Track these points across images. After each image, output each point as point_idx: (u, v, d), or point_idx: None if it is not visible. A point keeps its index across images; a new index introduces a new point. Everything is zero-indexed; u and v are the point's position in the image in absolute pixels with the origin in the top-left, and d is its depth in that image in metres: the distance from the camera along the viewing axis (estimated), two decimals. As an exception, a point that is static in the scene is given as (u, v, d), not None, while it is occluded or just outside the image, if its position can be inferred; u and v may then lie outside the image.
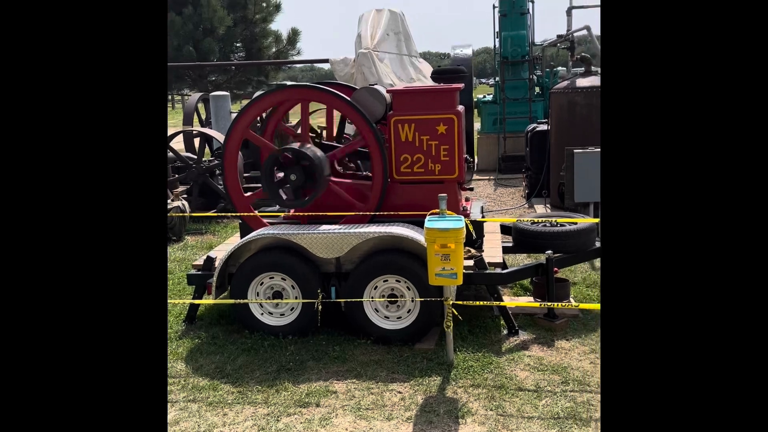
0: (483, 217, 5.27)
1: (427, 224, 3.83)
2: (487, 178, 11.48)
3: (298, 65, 32.94)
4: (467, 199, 5.37)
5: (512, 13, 12.28)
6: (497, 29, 12.38)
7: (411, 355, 4.20)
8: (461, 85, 4.94)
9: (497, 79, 12.97)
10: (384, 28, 8.21)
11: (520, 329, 4.56)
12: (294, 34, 19.05)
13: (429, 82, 6.33)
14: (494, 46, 12.76)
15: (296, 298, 4.49)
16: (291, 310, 4.57)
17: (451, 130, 4.61)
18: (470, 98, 12.39)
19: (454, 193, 4.74)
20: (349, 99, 4.71)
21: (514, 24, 12.27)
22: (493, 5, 12.40)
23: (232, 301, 4.54)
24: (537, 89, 12.69)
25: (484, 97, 13.34)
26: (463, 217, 3.96)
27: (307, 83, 4.93)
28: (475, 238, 4.76)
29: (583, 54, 8.37)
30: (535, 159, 8.98)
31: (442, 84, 5.09)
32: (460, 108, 4.81)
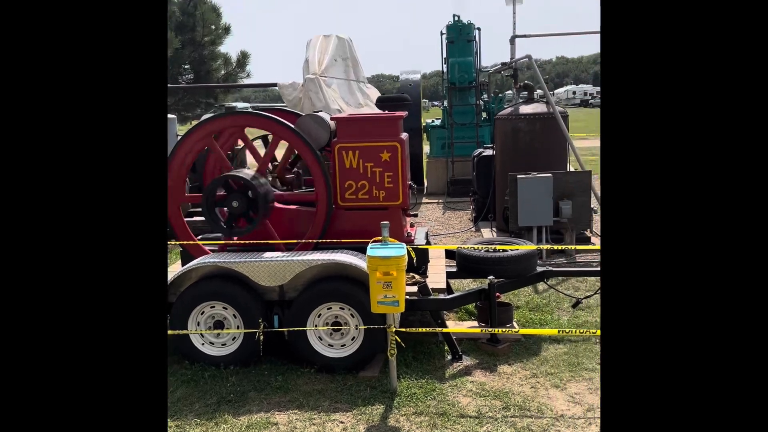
0: (428, 242, 5.32)
1: (369, 252, 3.84)
2: (437, 201, 11.61)
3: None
4: (412, 225, 5.41)
5: (459, 40, 12.55)
6: (445, 55, 12.65)
7: (355, 384, 4.17)
8: (404, 113, 5.01)
9: (444, 104, 13.20)
10: (332, 53, 8.25)
11: (464, 354, 4.59)
12: (243, 57, 18.97)
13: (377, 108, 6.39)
14: (442, 71, 13.00)
15: (238, 327, 4.41)
16: (233, 339, 4.49)
17: (394, 157, 4.66)
18: (419, 122, 12.61)
19: (399, 219, 4.78)
20: (291, 126, 4.71)
21: (462, 51, 12.56)
22: (441, 32, 12.66)
23: (171, 332, 4.42)
24: (484, 114, 12.99)
25: (433, 121, 13.54)
26: (404, 245, 3.99)
27: (249, 110, 4.91)
28: (418, 264, 4.79)
29: (526, 82, 8.62)
30: (482, 183, 9.15)
31: (386, 112, 5.15)
32: (404, 135, 4.87)
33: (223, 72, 18.73)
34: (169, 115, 10.66)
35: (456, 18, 12.67)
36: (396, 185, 4.67)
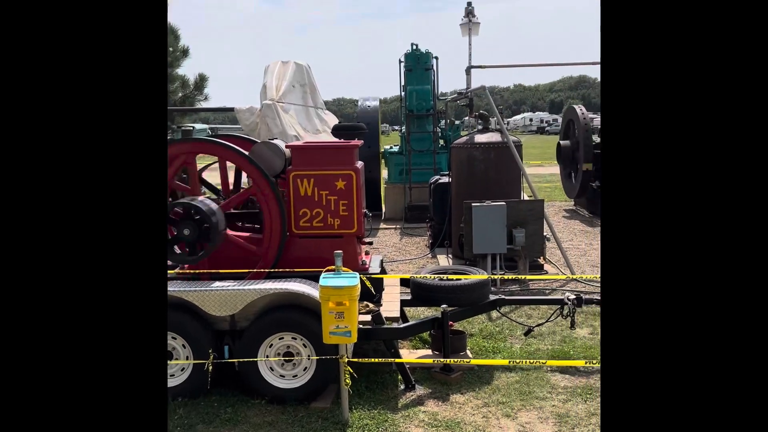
0: (383, 270, 5.33)
1: (321, 282, 3.82)
2: (394, 226, 11.67)
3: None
4: (367, 253, 5.42)
5: (417, 69, 12.76)
6: (403, 83, 12.82)
7: (306, 415, 4.11)
8: (360, 142, 5.05)
9: (402, 131, 13.34)
10: (289, 79, 8.29)
11: (417, 383, 4.58)
12: (201, 80, 18.82)
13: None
14: (400, 99, 13.17)
15: (187, 357, 4.31)
16: (181, 370, 4.37)
17: (349, 185, 4.69)
18: (377, 148, 12.71)
19: (354, 247, 4.79)
20: (245, 152, 4.69)
21: (419, 79, 12.76)
22: (399, 60, 12.85)
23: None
24: (441, 142, 13.17)
25: (391, 147, 13.66)
26: (358, 274, 3.99)
27: (202, 137, 4.87)
28: (373, 293, 4.79)
29: (481, 111, 8.80)
30: (438, 210, 9.24)
31: (342, 140, 5.19)
32: (359, 164, 4.91)
33: (180, 94, 18.54)
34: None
35: (414, 47, 12.90)
36: (351, 213, 4.70)
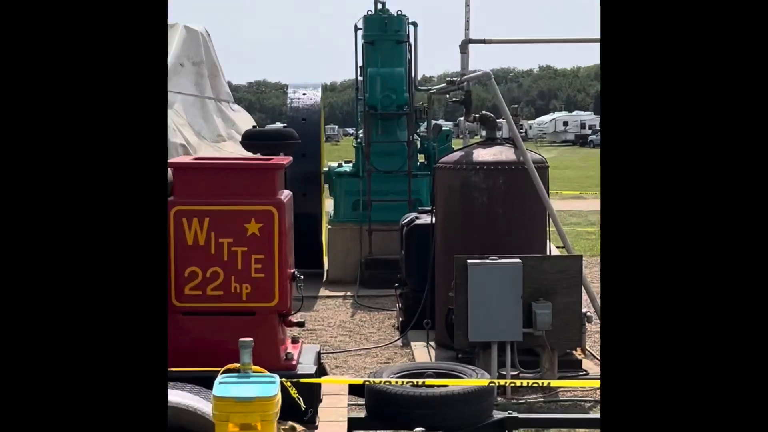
0: (321, 370, 5.30)
1: (216, 390, 3.79)
2: (342, 294, 11.65)
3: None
4: (295, 341, 5.40)
5: (383, 41, 12.91)
6: (360, 63, 12.95)
7: None
8: (288, 159, 5.08)
9: (359, 139, 13.41)
10: (176, 53, 8.33)
11: None
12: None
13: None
14: (356, 88, 13.26)
15: None
16: None
17: (268, 229, 4.72)
18: (316, 165, 12.75)
19: (273, 331, 4.81)
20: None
21: (387, 57, 12.89)
22: (356, 26, 12.94)
23: None
24: (421, 157, 13.29)
25: (341, 164, 13.71)
26: (277, 377, 3.97)
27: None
28: (303, 407, 4.75)
29: (483, 113, 8.95)
30: (414, 269, 9.27)
31: (257, 156, 5.22)
32: (285, 194, 4.93)
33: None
34: None
35: (380, 5, 12.99)
36: (269, 275, 4.71)
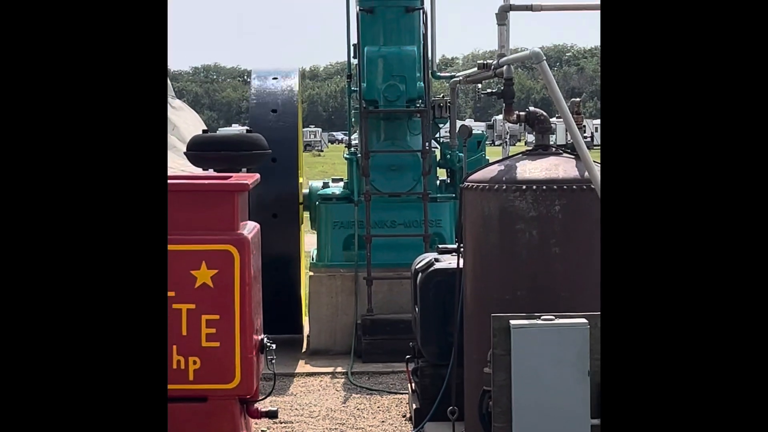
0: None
1: None
2: (330, 370, 11.68)
3: None
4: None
5: (387, 7, 13.03)
6: (355, 40, 13.04)
7: None
8: (253, 177, 5.10)
9: (352, 147, 13.44)
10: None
11: None
12: None
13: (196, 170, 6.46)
14: (348, 76, 13.31)
15: None
16: None
17: (225, 278, 4.78)
18: (292, 183, 12.73)
19: (232, 425, 4.83)
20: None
21: (393, 30, 13.08)
22: (345, -14, 13.04)
23: None
24: (441, 173, 13.32)
25: (326, 183, 13.73)
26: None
27: None
28: None
29: (531, 109, 8.96)
30: (433, 333, 9.25)
31: (210, 172, 5.24)
32: (249, 228, 4.94)
33: None
34: None
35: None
36: (227, 344, 4.77)
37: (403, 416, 9.78)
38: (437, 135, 13.28)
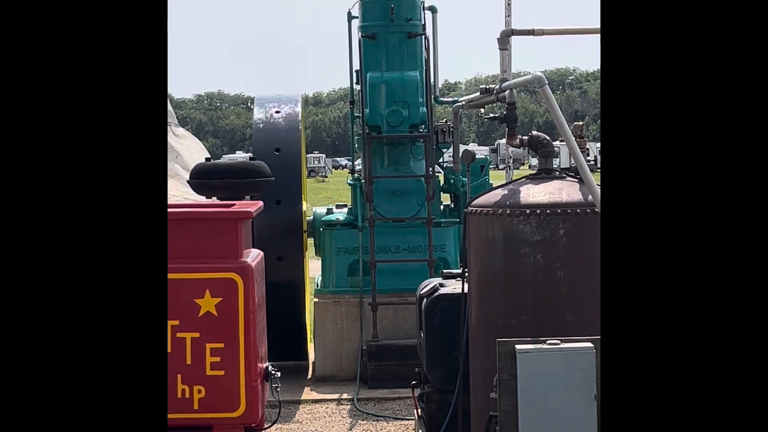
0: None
1: None
2: (336, 397, 11.66)
3: None
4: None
5: (389, 33, 13.06)
6: (357, 65, 13.07)
7: None
8: (256, 205, 5.10)
9: (356, 173, 13.45)
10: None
11: None
12: None
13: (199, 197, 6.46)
14: (350, 102, 13.33)
15: None
16: None
17: (229, 306, 4.78)
18: (295, 213, 12.76)
19: None
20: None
21: (395, 56, 13.10)
22: (349, 13, 13.16)
23: None
24: (445, 198, 13.31)
25: (330, 211, 13.71)
26: None
27: None
28: None
29: (534, 133, 8.96)
30: (439, 358, 9.23)
31: (213, 200, 5.24)
32: (253, 256, 4.93)
33: None
34: None
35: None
36: (232, 373, 4.77)
37: (411, 443, 9.74)
38: (440, 160, 13.29)
